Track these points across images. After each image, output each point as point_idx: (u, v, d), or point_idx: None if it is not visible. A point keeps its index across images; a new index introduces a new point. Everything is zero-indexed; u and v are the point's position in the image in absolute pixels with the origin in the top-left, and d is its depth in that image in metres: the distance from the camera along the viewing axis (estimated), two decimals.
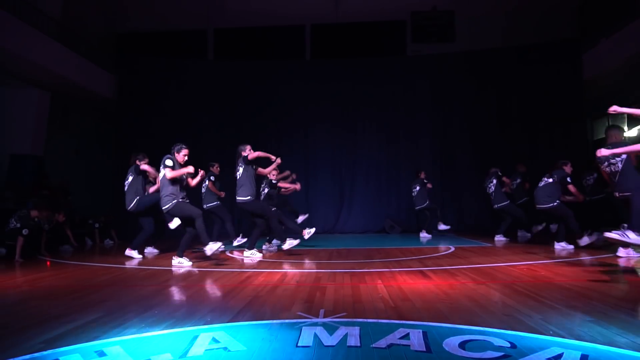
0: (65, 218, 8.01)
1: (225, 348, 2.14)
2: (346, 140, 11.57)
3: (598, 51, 10.24)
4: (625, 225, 4.46)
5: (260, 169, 6.21)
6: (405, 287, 3.62)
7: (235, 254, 6.41)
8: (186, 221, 5.39)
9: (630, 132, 10.96)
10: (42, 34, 9.07)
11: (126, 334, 2.39)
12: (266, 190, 7.30)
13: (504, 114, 11.09)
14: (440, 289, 3.53)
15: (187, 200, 5.44)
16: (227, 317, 2.74)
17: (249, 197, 5.96)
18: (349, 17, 12.89)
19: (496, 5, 12.23)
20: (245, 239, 6.31)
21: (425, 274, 4.29)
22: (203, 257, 5.95)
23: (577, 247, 6.19)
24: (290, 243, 6.10)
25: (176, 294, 3.72)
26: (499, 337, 2.20)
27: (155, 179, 6.31)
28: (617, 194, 4.96)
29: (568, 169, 6.54)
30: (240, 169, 6.02)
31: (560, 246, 6.28)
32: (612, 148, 4.89)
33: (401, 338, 2.23)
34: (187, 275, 4.68)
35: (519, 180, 8.54)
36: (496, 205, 7.97)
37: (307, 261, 5.61)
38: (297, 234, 6.61)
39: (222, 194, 7.50)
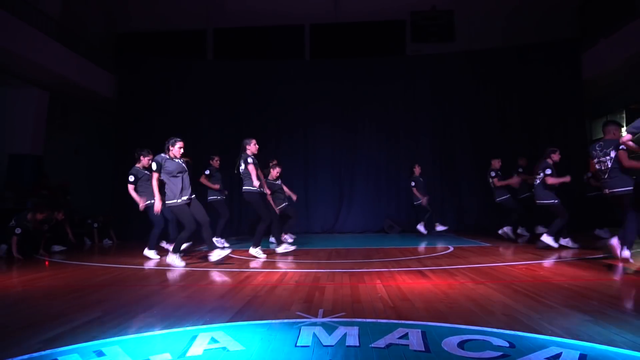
0: (65, 216, 8.02)
1: (224, 348, 2.14)
2: (346, 140, 11.57)
3: (597, 51, 10.24)
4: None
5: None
6: (404, 287, 3.63)
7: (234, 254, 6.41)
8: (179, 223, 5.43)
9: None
10: (42, 34, 9.06)
11: (125, 333, 2.39)
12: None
13: (504, 113, 11.09)
14: (439, 288, 3.53)
15: (187, 201, 5.33)
16: (226, 316, 2.75)
17: (254, 188, 5.94)
18: (349, 16, 12.89)
19: (496, 5, 12.23)
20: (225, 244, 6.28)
21: (424, 274, 4.29)
22: (202, 257, 5.95)
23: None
24: (257, 252, 5.94)
25: (175, 293, 3.72)
26: (498, 336, 2.20)
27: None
28: (606, 191, 4.99)
29: (556, 156, 6.40)
30: (243, 165, 6.00)
31: (547, 240, 6.10)
32: (606, 145, 4.93)
33: (400, 338, 2.23)
34: (186, 275, 4.68)
35: (520, 171, 8.49)
36: (497, 199, 7.92)
37: (306, 261, 5.61)
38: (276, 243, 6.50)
39: (217, 187, 7.50)
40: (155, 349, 2.14)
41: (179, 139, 5.42)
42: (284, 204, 7.63)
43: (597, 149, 5.08)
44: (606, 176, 4.97)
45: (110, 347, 2.17)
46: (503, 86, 11.14)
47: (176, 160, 5.35)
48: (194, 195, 5.45)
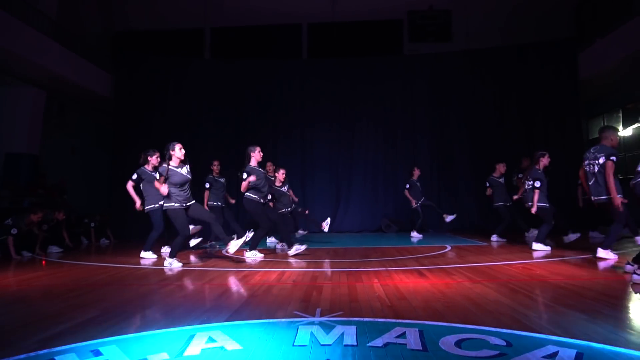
0: (65, 217, 7.99)
1: (221, 347, 2.14)
2: (343, 140, 11.57)
3: (594, 51, 10.28)
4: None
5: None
6: (402, 286, 3.63)
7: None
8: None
9: (625, 132, 11.03)
10: (39, 33, 9.03)
11: (122, 333, 2.39)
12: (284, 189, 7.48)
13: (501, 113, 11.12)
14: (437, 287, 3.54)
15: (184, 207, 5.34)
16: (224, 316, 2.74)
17: (255, 197, 5.93)
18: (346, 16, 12.90)
19: (493, 5, 12.26)
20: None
21: (421, 273, 4.30)
22: (200, 257, 5.94)
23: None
24: (253, 254, 5.91)
25: (172, 293, 3.71)
26: (495, 335, 2.21)
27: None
28: (593, 198, 4.99)
29: (545, 160, 6.21)
30: (246, 175, 5.94)
31: (538, 247, 6.05)
32: (600, 150, 4.92)
33: (397, 337, 2.23)
34: (183, 274, 4.67)
35: (520, 176, 8.46)
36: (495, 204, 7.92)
37: (303, 260, 5.61)
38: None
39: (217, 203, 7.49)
40: (153, 348, 2.14)
41: (175, 142, 5.40)
42: (284, 209, 7.38)
43: (592, 151, 5.09)
44: (592, 181, 4.98)
45: (107, 346, 2.16)
46: (500, 86, 11.18)
47: (180, 170, 5.29)
48: (193, 201, 5.46)
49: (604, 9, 10.98)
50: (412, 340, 2.17)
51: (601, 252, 4.90)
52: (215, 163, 7.67)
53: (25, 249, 6.81)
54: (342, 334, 2.30)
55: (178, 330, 2.44)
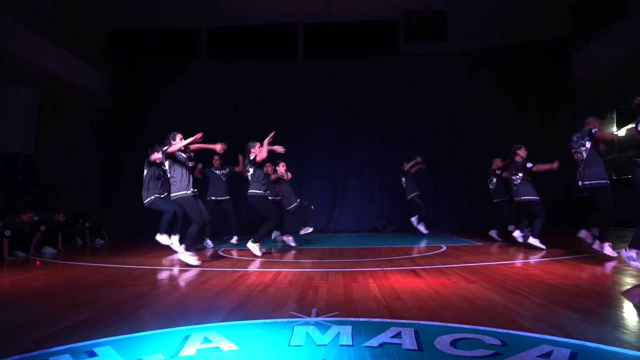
0: (65, 218, 7.94)
1: (217, 347, 2.14)
2: (339, 139, 11.57)
3: (589, 51, 10.32)
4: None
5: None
6: (398, 286, 3.64)
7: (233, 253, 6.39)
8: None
9: (620, 132, 11.09)
10: (32, 31, 8.97)
11: (117, 333, 2.38)
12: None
13: (498, 112, 11.11)
14: (432, 287, 3.54)
15: (194, 194, 5.47)
16: (220, 316, 2.74)
17: (260, 192, 6.04)
18: (343, 16, 12.90)
19: (489, 5, 12.29)
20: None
21: (417, 273, 4.31)
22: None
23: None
24: (254, 247, 5.95)
25: (168, 293, 3.70)
26: (490, 335, 2.22)
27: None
28: (580, 183, 5.05)
29: (522, 152, 6.41)
30: (251, 170, 6.09)
31: (535, 242, 6.11)
32: (581, 136, 5.01)
33: (393, 337, 2.24)
34: (179, 274, 4.66)
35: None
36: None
37: (299, 260, 5.61)
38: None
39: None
40: (148, 349, 2.13)
41: (176, 132, 5.51)
42: (294, 205, 7.72)
43: (574, 139, 5.18)
44: (582, 168, 5.05)
45: (102, 347, 2.16)
46: (497, 86, 11.19)
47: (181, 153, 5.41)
48: (196, 190, 5.56)
49: (600, 9, 11.03)
50: (408, 340, 2.18)
51: (599, 246, 4.93)
52: (216, 157, 7.77)
53: (18, 249, 6.76)
54: (338, 334, 2.30)
55: (173, 330, 2.44)
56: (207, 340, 2.25)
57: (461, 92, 11.33)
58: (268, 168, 7.68)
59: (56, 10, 10.67)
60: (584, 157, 5.01)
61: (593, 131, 4.99)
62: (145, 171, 6.29)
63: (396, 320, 2.52)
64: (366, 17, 13.05)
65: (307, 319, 2.60)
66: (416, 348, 2.07)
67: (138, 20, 13.12)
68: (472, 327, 2.36)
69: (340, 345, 2.14)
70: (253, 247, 5.93)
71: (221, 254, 6.42)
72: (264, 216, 6.19)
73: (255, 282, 3.96)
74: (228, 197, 7.83)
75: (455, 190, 11.13)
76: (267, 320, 2.60)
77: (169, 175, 5.40)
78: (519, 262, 5.08)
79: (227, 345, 2.16)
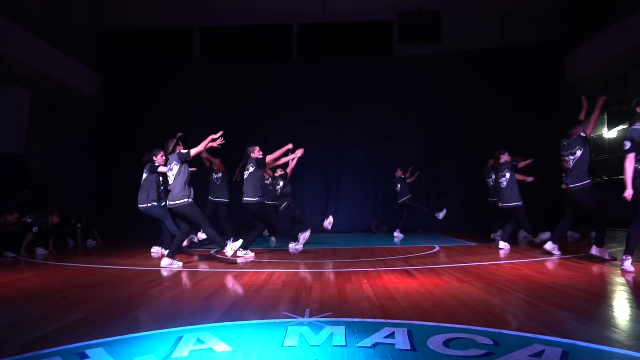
0: (59, 220, 7.86)
1: (210, 349, 2.13)
2: (333, 140, 11.57)
3: (580, 53, 10.42)
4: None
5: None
6: (391, 286, 3.65)
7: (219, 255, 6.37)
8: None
9: (609, 134, 11.21)
10: (24, 30, 8.86)
11: (109, 335, 2.36)
12: (280, 184, 7.73)
13: (491, 113, 11.16)
14: (425, 287, 3.56)
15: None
16: (213, 317, 2.73)
17: (256, 199, 5.93)
18: (336, 16, 12.90)
19: (482, 7, 12.36)
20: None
21: (410, 273, 4.32)
22: (190, 257, 5.90)
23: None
24: (244, 252, 5.94)
25: (161, 294, 3.68)
26: (483, 334, 2.23)
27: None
28: (563, 186, 5.14)
29: (505, 157, 6.58)
30: (251, 169, 5.97)
31: (505, 245, 6.28)
32: (572, 145, 5.09)
33: (386, 337, 2.24)
34: (172, 275, 4.64)
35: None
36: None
37: (293, 261, 5.61)
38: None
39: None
40: (140, 350, 2.12)
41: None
42: (284, 205, 7.77)
43: (564, 145, 5.25)
44: (568, 172, 5.14)
45: (94, 349, 2.14)
46: (490, 86, 11.25)
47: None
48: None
49: (590, 12, 11.14)
50: (401, 340, 2.19)
51: (595, 250, 4.97)
52: (216, 160, 7.77)
53: (8, 249, 6.69)
54: (331, 334, 2.30)
55: (166, 332, 2.42)
56: (200, 341, 2.24)
57: (455, 92, 11.38)
58: (268, 172, 7.69)
59: (48, 9, 10.57)
60: (571, 165, 5.08)
61: (583, 135, 5.07)
62: (145, 175, 6.13)
63: (389, 321, 2.53)
64: (360, 17, 13.06)
65: (300, 320, 2.60)
66: (409, 348, 2.07)
67: (131, 19, 13.02)
68: (465, 326, 2.37)
69: (334, 346, 2.14)
70: (244, 252, 5.88)
71: (213, 254, 6.40)
72: (266, 222, 6.22)
73: (249, 283, 3.95)
74: (224, 200, 7.78)
75: (448, 191, 11.18)
76: (260, 321, 2.60)
77: (171, 181, 5.32)
78: (511, 262, 5.11)
79: (220, 346, 2.15)
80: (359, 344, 2.14)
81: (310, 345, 2.15)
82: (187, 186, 5.31)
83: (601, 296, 3.23)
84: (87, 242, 8.99)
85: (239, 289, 3.66)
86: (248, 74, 11.67)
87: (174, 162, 5.32)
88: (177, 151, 5.46)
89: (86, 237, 9.07)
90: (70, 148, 11.83)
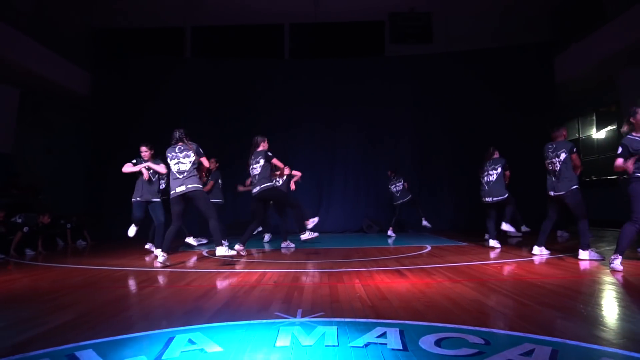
0: (51, 220, 7.78)
1: (201, 349, 2.12)
2: (325, 140, 11.58)
3: (569, 55, 10.53)
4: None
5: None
6: (383, 286, 3.66)
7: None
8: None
9: (598, 134, 11.34)
10: (12, 28, 8.75)
11: (99, 336, 2.34)
12: (279, 182, 7.96)
13: (482, 113, 11.23)
14: (417, 287, 3.57)
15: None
16: (204, 318, 2.72)
17: (270, 184, 6.29)
18: (328, 16, 12.91)
19: (473, 8, 12.43)
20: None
21: (402, 273, 4.34)
22: (183, 258, 5.86)
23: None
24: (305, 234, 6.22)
25: (151, 295, 3.65)
26: (474, 334, 2.25)
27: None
28: (551, 194, 5.20)
29: (496, 155, 6.84)
30: (262, 162, 6.21)
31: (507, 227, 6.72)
32: (558, 147, 5.17)
33: (378, 337, 2.25)
34: (163, 276, 4.61)
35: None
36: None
37: (285, 261, 5.60)
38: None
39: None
40: (131, 352, 2.10)
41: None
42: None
43: (549, 148, 5.32)
44: (554, 178, 5.23)
45: (83, 350, 2.12)
46: (480, 87, 11.33)
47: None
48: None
49: (579, 14, 11.26)
50: (393, 340, 2.19)
51: (583, 254, 5.00)
52: (212, 160, 7.71)
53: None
54: (324, 334, 2.30)
55: (157, 332, 2.41)
56: (191, 342, 2.23)
57: (446, 93, 11.45)
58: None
59: (37, 7, 10.43)
60: (557, 168, 5.15)
61: (574, 151, 5.18)
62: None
63: (381, 320, 2.54)
64: (352, 18, 13.08)
65: (292, 320, 2.59)
66: (401, 348, 2.08)
67: (122, 18, 12.92)
68: (456, 326, 2.39)
69: (326, 346, 2.14)
70: (237, 246, 5.94)
71: (205, 254, 6.37)
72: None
73: (241, 283, 3.94)
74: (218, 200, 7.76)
75: (439, 191, 11.24)
76: (252, 322, 2.59)
77: (187, 168, 5.30)
78: (501, 261, 5.15)
79: (212, 347, 2.14)
80: (351, 344, 2.15)
81: (303, 346, 2.15)
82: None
83: (590, 295, 3.27)
84: (77, 243, 8.91)
85: (231, 290, 3.65)
86: (240, 74, 11.64)
87: (192, 152, 5.30)
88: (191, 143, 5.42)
89: (76, 238, 8.98)
90: (60, 148, 11.70)
